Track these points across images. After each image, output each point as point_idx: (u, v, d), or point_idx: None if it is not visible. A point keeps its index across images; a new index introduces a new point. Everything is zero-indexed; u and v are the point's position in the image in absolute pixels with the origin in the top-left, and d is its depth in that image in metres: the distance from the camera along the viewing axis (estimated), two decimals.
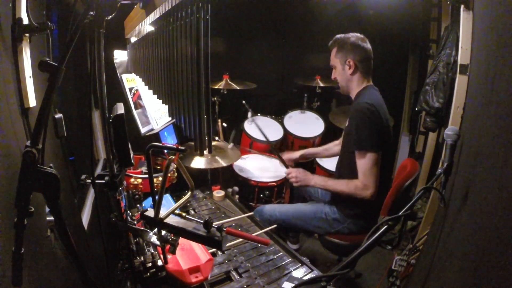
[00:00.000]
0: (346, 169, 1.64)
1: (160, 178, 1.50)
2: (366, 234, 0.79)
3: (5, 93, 0.75)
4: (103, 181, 0.82)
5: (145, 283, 1.08)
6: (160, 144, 1.04)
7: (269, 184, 2.27)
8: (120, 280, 1.17)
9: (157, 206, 0.88)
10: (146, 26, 1.48)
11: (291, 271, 1.27)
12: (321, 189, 1.75)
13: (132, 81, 1.82)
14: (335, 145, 2.08)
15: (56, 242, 0.89)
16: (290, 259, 1.34)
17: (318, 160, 2.51)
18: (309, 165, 2.84)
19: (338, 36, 1.64)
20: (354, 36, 1.60)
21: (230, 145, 2.09)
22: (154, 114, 1.89)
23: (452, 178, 0.94)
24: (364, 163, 1.49)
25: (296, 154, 2.11)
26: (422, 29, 2.75)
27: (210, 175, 2.12)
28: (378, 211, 1.60)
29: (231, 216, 1.70)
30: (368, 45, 1.59)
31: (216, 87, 2.55)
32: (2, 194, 0.66)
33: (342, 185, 1.57)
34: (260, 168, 2.42)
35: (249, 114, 2.72)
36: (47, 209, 0.85)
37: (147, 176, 1.59)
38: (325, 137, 2.78)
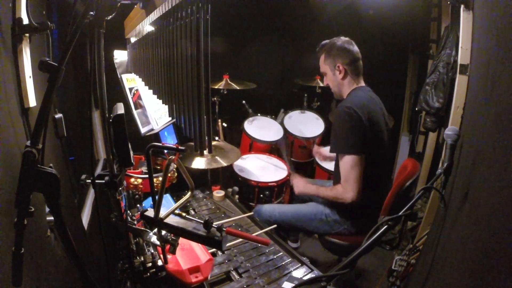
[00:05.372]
0: (337, 172, 1.64)
1: (160, 178, 1.50)
2: (366, 235, 0.79)
3: (5, 93, 0.76)
4: (103, 181, 0.82)
5: (145, 283, 1.08)
6: (160, 144, 1.04)
7: (269, 184, 2.27)
8: (120, 280, 1.17)
9: (157, 206, 0.88)
10: (146, 26, 1.48)
11: (291, 271, 1.27)
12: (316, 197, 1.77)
13: (132, 81, 1.82)
14: None
15: (56, 242, 0.89)
16: (290, 259, 1.34)
17: (318, 160, 2.52)
18: (309, 165, 2.85)
19: (324, 42, 1.65)
20: (340, 40, 1.59)
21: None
22: (154, 114, 1.89)
23: (452, 178, 0.94)
24: (343, 166, 1.49)
25: (326, 153, 2.15)
26: (422, 29, 2.75)
27: (210, 175, 2.12)
28: (379, 212, 1.59)
29: (231, 216, 1.70)
30: (355, 47, 1.58)
31: (216, 87, 2.56)
32: (2, 194, 0.66)
33: (326, 191, 1.60)
34: (260, 168, 2.43)
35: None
36: (47, 209, 0.85)
37: (147, 176, 1.59)
38: (325, 137, 2.78)
